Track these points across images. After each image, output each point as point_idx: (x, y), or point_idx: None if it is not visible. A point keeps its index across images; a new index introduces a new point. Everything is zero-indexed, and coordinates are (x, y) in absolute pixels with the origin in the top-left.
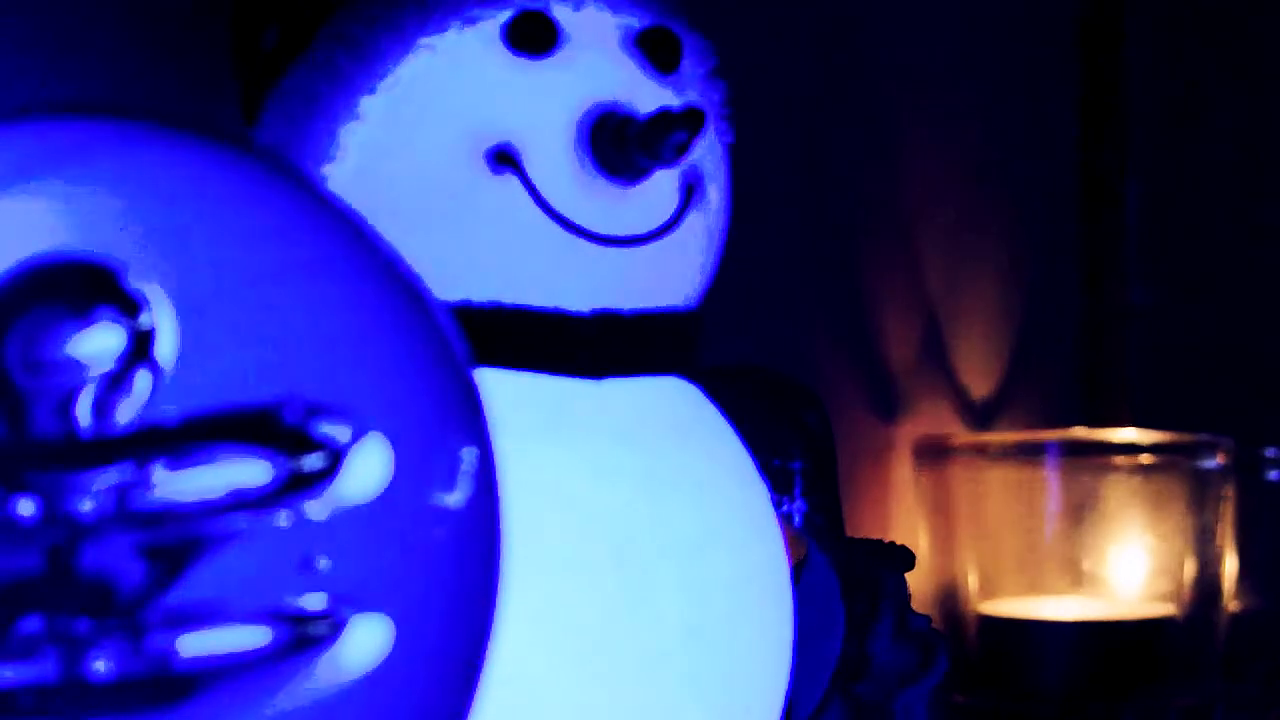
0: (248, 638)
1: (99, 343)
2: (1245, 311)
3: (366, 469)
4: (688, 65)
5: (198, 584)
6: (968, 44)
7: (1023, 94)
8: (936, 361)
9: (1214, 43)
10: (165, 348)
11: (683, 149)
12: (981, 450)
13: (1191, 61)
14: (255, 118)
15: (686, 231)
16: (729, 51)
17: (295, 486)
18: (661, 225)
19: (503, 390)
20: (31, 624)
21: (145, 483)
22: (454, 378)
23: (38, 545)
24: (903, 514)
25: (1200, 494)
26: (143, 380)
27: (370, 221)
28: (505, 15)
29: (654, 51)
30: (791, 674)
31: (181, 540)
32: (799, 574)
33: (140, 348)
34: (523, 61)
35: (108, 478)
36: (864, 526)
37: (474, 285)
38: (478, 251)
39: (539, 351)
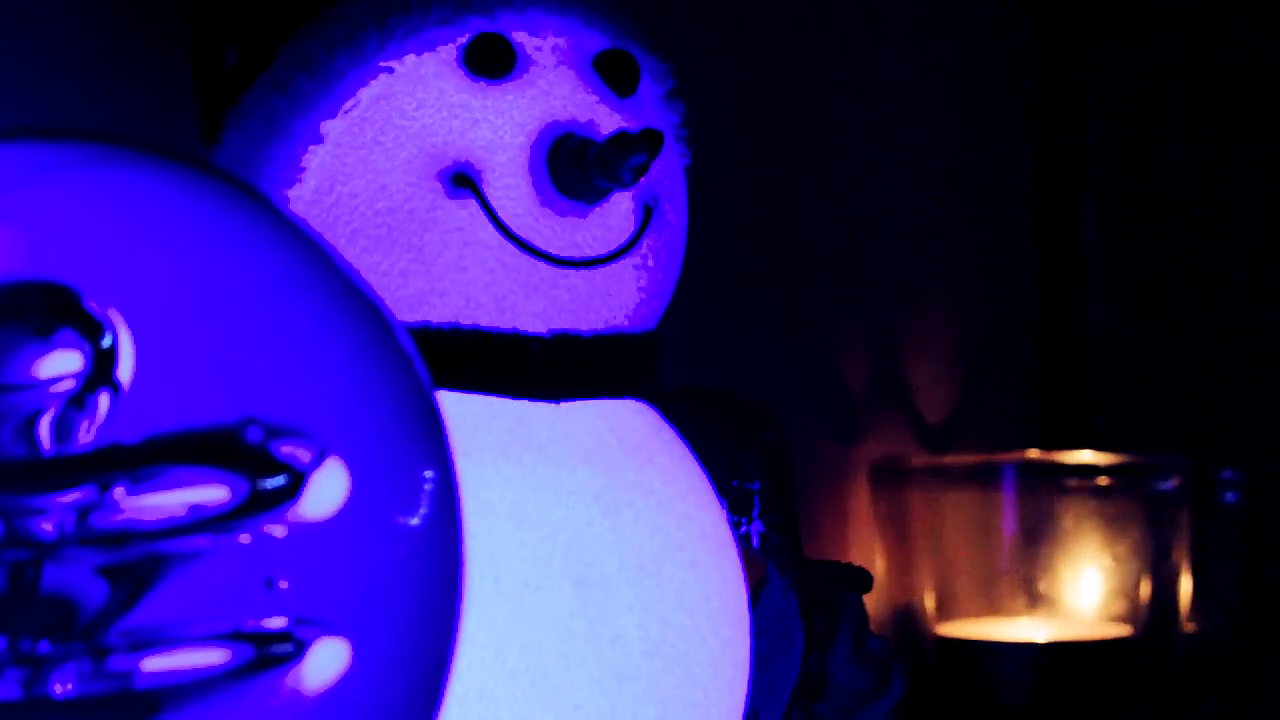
0: (209, 657)
1: (60, 364)
2: (1202, 334)
3: (327, 490)
4: (645, 88)
5: (159, 604)
6: (924, 65)
7: (979, 117)
8: (893, 384)
9: (1171, 66)
10: (126, 369)
11: (641, 171)
12: (938, 473)
13: (1148, 84)
14: (215, 137)
15: (644, 253)
16: (685, 74)
17: (256, 507)
18: (619, 247)
19: (462, 412)
20: None
21: (107, 503)
22: (415, 399)
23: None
24: (860, 536)
25: (1156, 516)
26: (104, 402)
27: (330, 243)
28: (464, 38)
29: (612, 74)
30: (749, 693)
31: (143, 560)
32: (757, 594)
33: (101, 369)
34: (481, 84)
35: (69, 498)
36: (822, 549)
37: (433, 307)
38: (436, 273)
39: (497, 374)
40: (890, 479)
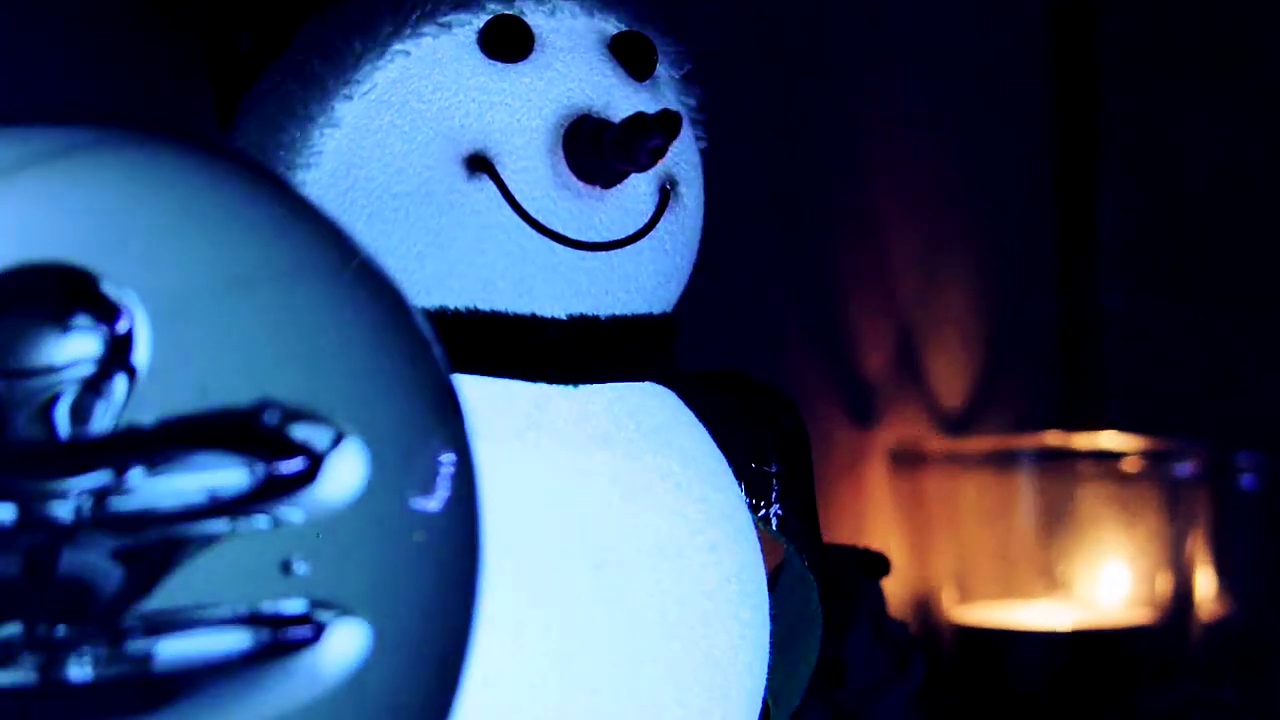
0: (227, 642)
1: (76, 348)
2: (1220, 317)
3: (345, 473)
4: (662, 70)
5: (176, 588)
6: (940, 50)
7: (995, 99)
8: (911, 368)
9: (1188, 47)
10: (142, 353)
11: (658, 153)
12: (957, 457)
13: (1165, 67)
14: (230, 121)
15: (662, 236)
16: (703, 57)
17: (273, 490)
18: (637, 230)
19: (480, 396)
20: (9, 629)
21: (124, 487)
22: (432, 382)
23: (16, 550)
24: (878, 521)
25: (1175, 500)
26: (120, 385)
27: (347, 226)
28: (480, 21)
29: (628, 57)
30: (768, 677)
31: (160, 544)
32: (776, 578)
33: (118, 353)
34: (498, 67)
35: (86, 482)
36: (840, 533)
37: (450, 291)
38: (454, 257)
39: (515, 357)
40: (909, 463)
